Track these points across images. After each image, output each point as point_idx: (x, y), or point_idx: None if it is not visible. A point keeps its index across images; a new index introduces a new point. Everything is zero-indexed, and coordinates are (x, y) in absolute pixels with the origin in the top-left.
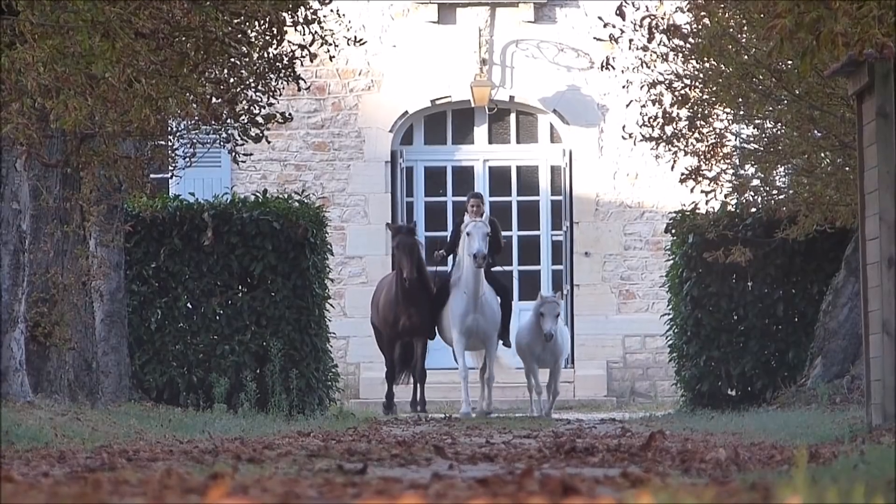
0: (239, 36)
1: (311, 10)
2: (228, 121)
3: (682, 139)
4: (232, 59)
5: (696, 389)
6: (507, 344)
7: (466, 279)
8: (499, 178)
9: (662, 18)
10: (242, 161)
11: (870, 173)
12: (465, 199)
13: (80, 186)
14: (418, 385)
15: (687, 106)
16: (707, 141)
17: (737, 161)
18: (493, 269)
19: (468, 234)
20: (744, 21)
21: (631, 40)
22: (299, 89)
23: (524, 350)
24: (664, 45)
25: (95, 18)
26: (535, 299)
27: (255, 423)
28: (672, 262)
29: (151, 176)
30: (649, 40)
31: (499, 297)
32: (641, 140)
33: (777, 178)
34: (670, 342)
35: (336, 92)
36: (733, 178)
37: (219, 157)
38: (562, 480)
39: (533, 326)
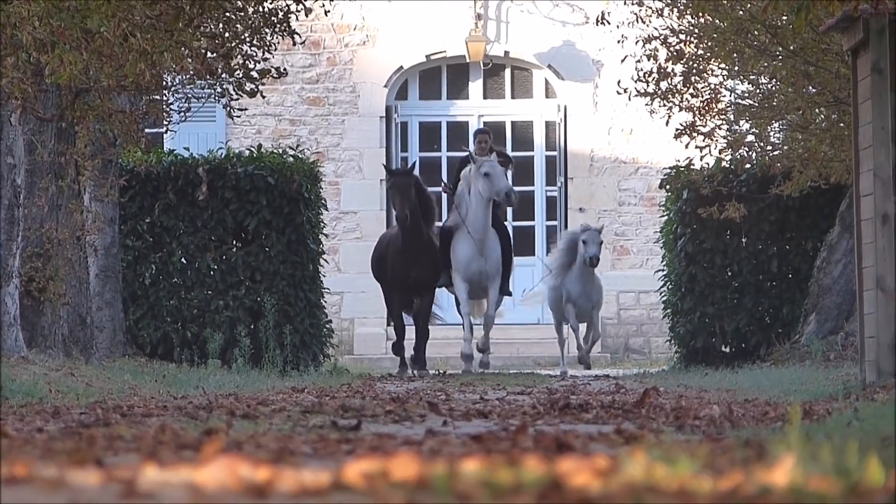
0: None
1: None
2: (223, 75)
3: (676, 95)
4: (227, 14)
5: (690, 346)
6: (507, 292)
7: (475, 221)
8: (493, 133)
9: None
10: (237, 116)
11: (864, 129)
12: (459, 154)
13: (74, 141)
14: (420, 343)
15: (682, 61)
16: (702, 96)
17: (731, 117)
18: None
19: (486, 174)
20: None
21: None
22: (294, 44)
23: (558, 295)
24: None
25: None
26: (529, 255)
27: (250, 378)
28: (666, 217)
29: (146, 130)
30: None
31: (500, 243)
32: (636, 95)
33: (772, 134)
34: (664, 298)
35: (331, 47)
36: (728, 133)
37: (213, 111)
38: (556, 437)
39: (567, 266)
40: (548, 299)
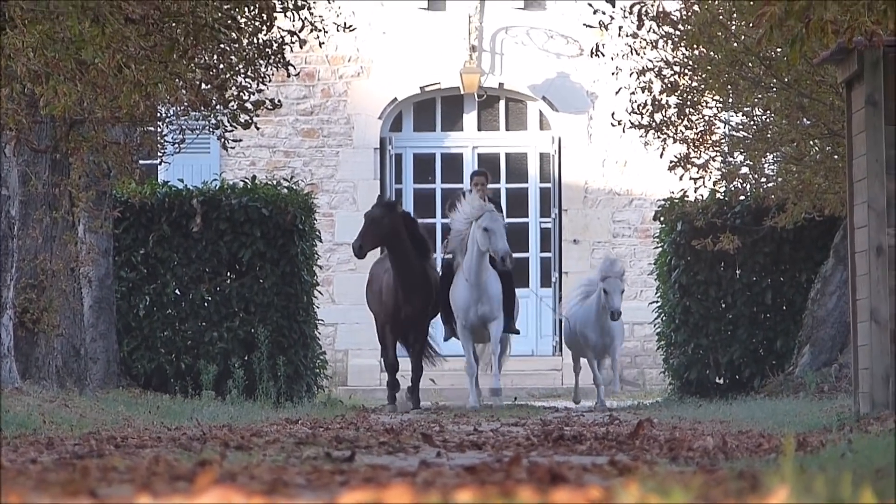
0: (229, 22)
1: None
2: (218, 107)
3: (671, 126)
4: (221, 45)
5: (684, 377)
6: (514, 331)
7: (470, 269)
8: (488, 165)
9: (652, 5)
10: (231, 147)
11: (858, 161)
12: (454, 186)
13: (69, 172)
14: (414, 379)
15: (676, 93)
16: (696, 128)
17: (726, 149)
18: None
19: (486, 228)
20: (733, 8)
21: (620, 27)
22: (289, 75)
23: (575, 339)
24: (654, 32)
25: (85, 4)
26: (523, 287)
27: (244, 409)
28: (660, 249)
29: (140, 162)
30: (639, 27)
31: (500, 281)
32: (630, 127)
33: (766, 165)
34: (658, 330)
35: (325, 78)
36: (722, 165)
37: (208, 143)
38: (549, 468)
39: (584, 309)
40: (564, 335)
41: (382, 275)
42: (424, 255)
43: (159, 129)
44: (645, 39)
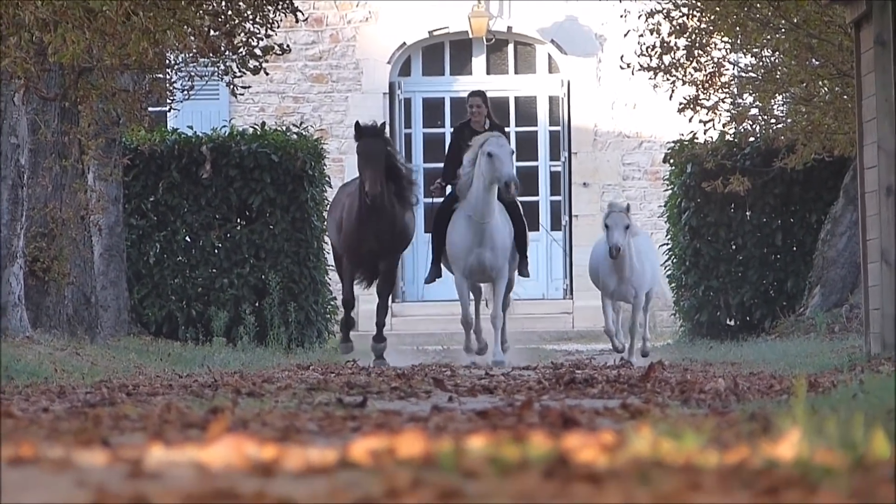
0: None
1: None
2: (226, 53)
3: (679, 69)
4: None
5: (695, 319)
6: (524, 273)
7: (475, 204)
8: (497, 109)
9: None
10: (240, 94)
11: (868, 101)
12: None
13: (78, 120)
14: (378, 319)
15: (685, 35)
16: (705, 70)
17: (735, 90)
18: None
19: (489, 154)
20: None
21: None
22: (297, 21)
23: (597, 280)
24: None
25: None
26: (533, 231)
27: (255, 356)
28: (670, 192)
29: (149, 109)
30: None
31: (510, 221)
32: (639, 70)
33: (775, 107)
34: (669, 272)
35: (334, 24)
36: (731, 107)
37: (217, 89)
38: (561, 412)
39: (602, 245)
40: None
41: (345, 199)
42: (402, 193)
43: (168, 76)
44: None
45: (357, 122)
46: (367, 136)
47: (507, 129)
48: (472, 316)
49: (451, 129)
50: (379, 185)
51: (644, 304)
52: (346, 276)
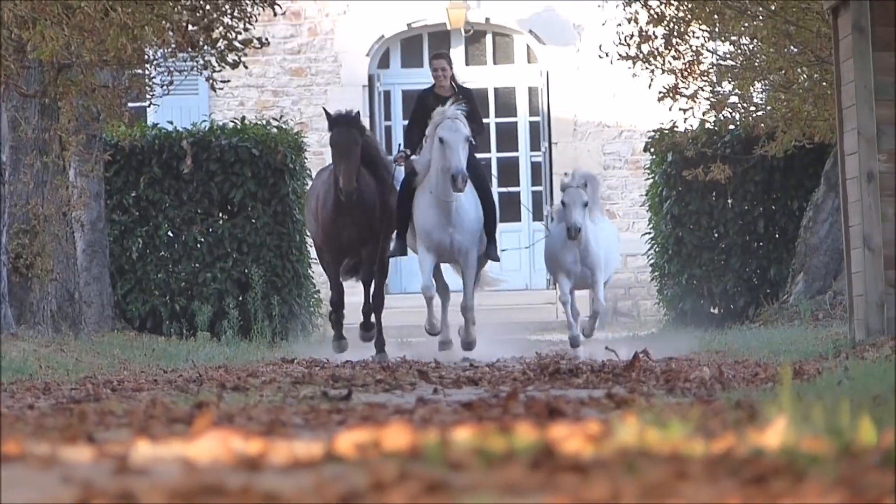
0: None
1: None
2: (205, 48)
3: (658, 57)
4: None
5: (679, 308)
6: (493, 257)
7: (436, 183)
8: (476, 100)
9: None
10: (220, 88)
11: (847, 88)
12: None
13: (58, 116)
14: (373, 318)
15: (663, 24)
16: (684, 59)
17: (714, 78)
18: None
19: (441, 139)
20: None
21: None
22: (275, 14)
23: (551, 260)
24: None
25: None
26: (516, 221)
27: (239, 350)
28: (651, 180)
29: (129, 105)
30: None
31: (479, 201)
32: (618, 59)
33: (754, 94)
34: (651, 261)
35: (312, 17)
36: (711, 95)
37: (196, 84)
38: (547, 403)
39: (561, 226)
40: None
41: (320, 188)
42: (380, 174)
43: (147, 72)
44: None
45: (325, 110)
46: (340, 124)
47: (471, 89)
48: (432, 284)
49: (416, 96)
50: (354, 181)
51: (602, 286)
52: (330, 271)
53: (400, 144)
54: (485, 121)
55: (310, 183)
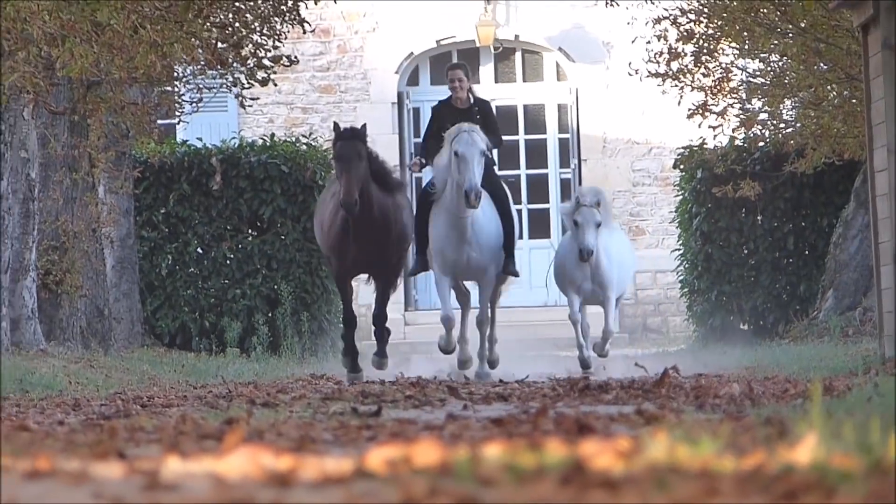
0: None
1: None
2: (234, 65)
3: (687, 75)
4: (236, 4)
5: (708, 324)
6: (513, 272)
7: (452, 202)
8: (506, 117)
9: None
10: (249, 105)
11: (877, 105)
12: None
13: (87, 133)
14: (379, 339)
15: (692, 41)
16: (713, 76)
17: (743, 95)
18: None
19: (456, 153)
20: None
21: None
22: (304, 32)
23: (560, 275)
24: None
25: None
26: (545, 237)
27: (269, 366)
28: (681, 197)
29: (158, 122)
30: None
31: (497, 216)
32: (647, 76)
33: (784, 111)
34: (681, 278)
35: (341, 34)
36: (740, 112)
37: (225, 101)
38: (576, 419)
39: (572, 243)
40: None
41: (329, 201)
42: (390, 189)
43: (176, 89)
44: None
45: (335, 124)
46: (344, 138)
47: (489, 101)
48: (453, 314)
49: (431, 108)
50: (354, 194)
51: (614, 304)
52: (339, 282)
53: (418, 158)
54: (514, 138)
55: None
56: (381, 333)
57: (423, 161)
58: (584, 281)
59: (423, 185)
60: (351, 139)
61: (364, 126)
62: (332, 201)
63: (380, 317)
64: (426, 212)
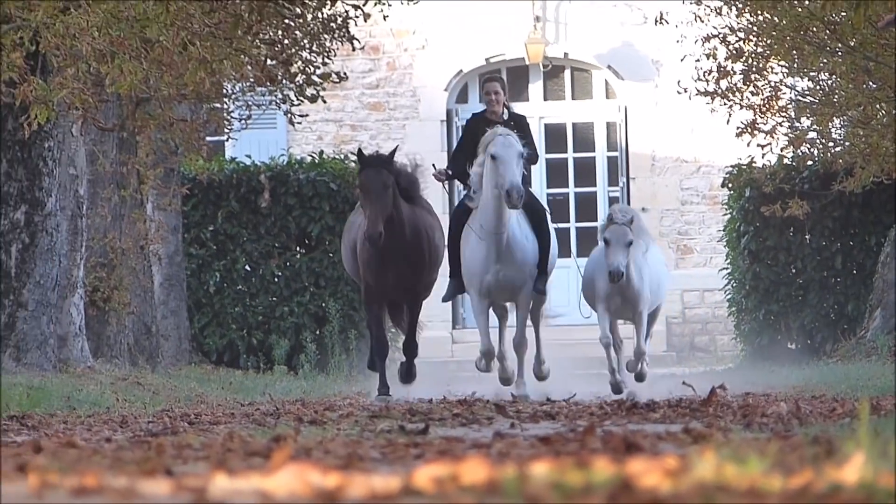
0: None
1: None
2: (283, 82)
3: (737, 93)
4: (286, 21)
5: (756, 343)
6: (540, 291)
7: (486, 216)
8: (554, 134)
9: None
10: (298, 122)
11: None
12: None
13: (136, 150)
14: (406, 360)
15: (741, 59)
16: (762, 94)
17: (792, 114)
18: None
19: (493, 156)
20: None
21: None
22: (353, 49)
23: (588, 289)
24: None
25: None
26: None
27: (316, 384)
28: (729, 216)
29: (207, 139)
30: None
31: (533, 234)
32: (696, 94)
33: (833, 130)
34: (729, 296)
35: (390, 51)
36: (789, 131)
37: (274, 118)
38: (624, 437)
39: (601, 258)
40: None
41: (359, 225)
42: (413, 199)
43: (225, 106)
44: (709, 6)
45: (359, 150)
46: (370, 166)
47: (524, 116)
48: (493, 345)
49: (465, 120)
50: (379, 226)
51: (648, 322)
52: (371, 313)
53: (445, 169)
54: (563, 156)
55: None
56: (410, 366)
57: (450, 172)
58: (613, 296)
59: (456, 203)
60: (376, 168)
61: (394, 150)
62: (362, 225)
63: (410, 346)
64: (458, 233)
